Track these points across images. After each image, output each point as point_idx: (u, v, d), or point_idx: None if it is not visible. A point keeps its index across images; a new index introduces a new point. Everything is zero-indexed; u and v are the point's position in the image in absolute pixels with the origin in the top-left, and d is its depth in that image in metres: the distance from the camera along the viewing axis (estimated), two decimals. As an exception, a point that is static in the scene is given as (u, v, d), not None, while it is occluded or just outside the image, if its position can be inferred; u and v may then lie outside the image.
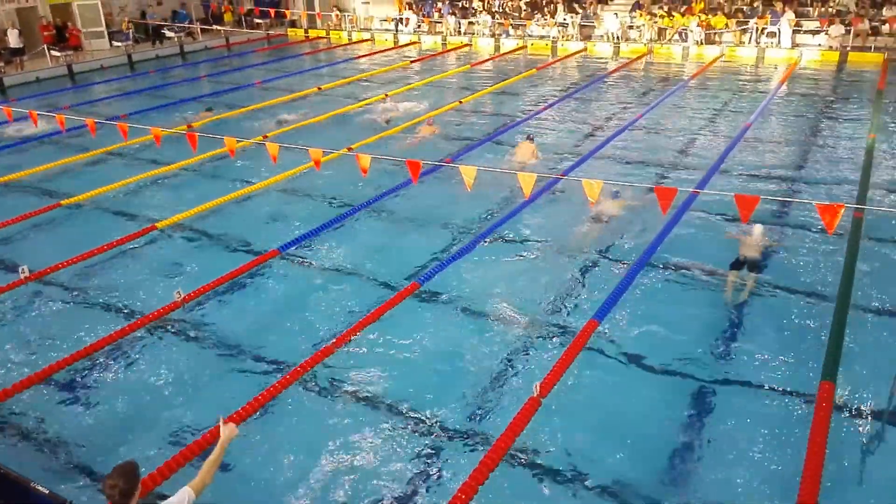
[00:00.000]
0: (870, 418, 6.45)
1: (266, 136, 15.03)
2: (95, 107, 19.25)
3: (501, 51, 27.17)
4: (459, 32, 29.18)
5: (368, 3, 31.68)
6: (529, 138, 13.79)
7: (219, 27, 29.86)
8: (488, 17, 28.63)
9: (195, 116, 17.37)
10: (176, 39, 28.34)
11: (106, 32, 27.14)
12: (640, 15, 26.15)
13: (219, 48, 29.34)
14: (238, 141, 10.56)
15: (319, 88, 20.74)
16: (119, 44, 26.75)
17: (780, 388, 6.87)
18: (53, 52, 24.33)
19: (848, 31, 22.71)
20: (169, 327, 8.18)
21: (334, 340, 7.57)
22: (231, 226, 11.08)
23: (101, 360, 7.56)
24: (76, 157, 14.46)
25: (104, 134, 13.51)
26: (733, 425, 6.42)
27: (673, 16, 25.70)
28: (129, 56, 26.08)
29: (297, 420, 6.62)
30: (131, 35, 27.07)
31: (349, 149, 13.90)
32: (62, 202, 11.80)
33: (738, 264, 9.07)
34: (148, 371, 7.41)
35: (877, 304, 8.28)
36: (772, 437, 6.23)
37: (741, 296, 8.60)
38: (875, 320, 8.00)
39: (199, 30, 29.62)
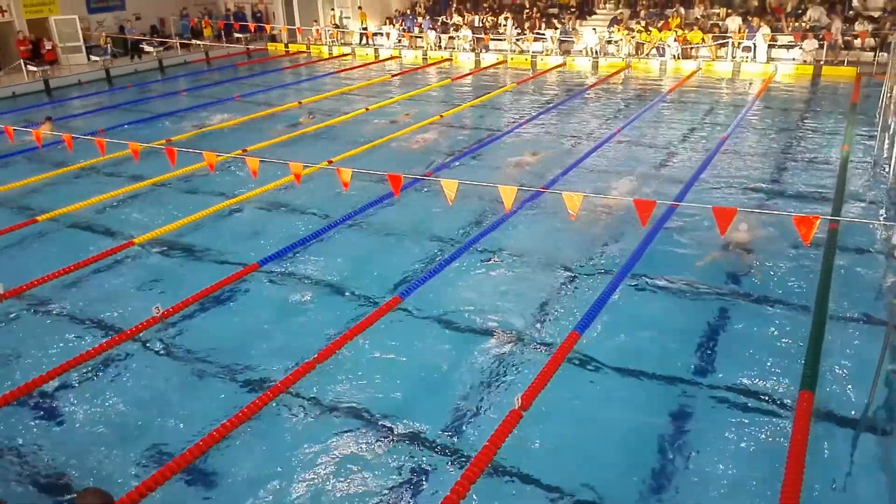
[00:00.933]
0: (849, 426, 6.51)
1: (246, 150, 14.98)
2: (73, 121, 19.07)
3: (482, 65, 27.35)
4: (440, 47, 29.34)
5: (349, 17, 31.77)
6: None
7: (198, 41, 29.79)
8: (469, 32, 28.84)
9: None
10: (155, 54, 28.22)
11: (84, 47, 26.97)
12: (618, 30, 26.47)
13: (198, 62, 29.25)
14: (217, 155, 10.51)
15: (300, 103, 20.73)
16: (97, 58, 26.58)
17: (761, 398, 6.92)
18: (30, 67, 24.12)
19: (821, 46, 23.14)
20: (147, 343, 8.08)
21: (316, 356, 7.51)
22: (210, 240, 11.00)
23: (78, 377, 7.44)
24: (53, 173, 14.30)
25: (81, 149, 13.38)
26: (714, 435, 6.45)
27: (650, 31, 26.04)
28: (107, 71, 25.92)
29: (278, 437, 6.55)
30: (109, 50, 26.91)
31: (329, 162, 13.88)
32: (38, 218, 11.65)
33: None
34: (125, 388, 7.30)
35: (853, 313, 8.38)
36: (752, 447, 6.27)
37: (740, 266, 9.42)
38: (852, 329, 8.09)
39: (178, 44, 29.52)
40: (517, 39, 27.95)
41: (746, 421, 6.62)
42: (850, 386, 7.00)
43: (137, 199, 12.99)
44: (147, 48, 28.40)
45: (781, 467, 5.69)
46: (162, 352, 7.98)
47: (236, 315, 8.80)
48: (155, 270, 10.06)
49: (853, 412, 6.63)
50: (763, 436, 6.41)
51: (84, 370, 7.55)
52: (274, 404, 6.83)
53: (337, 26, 31.61)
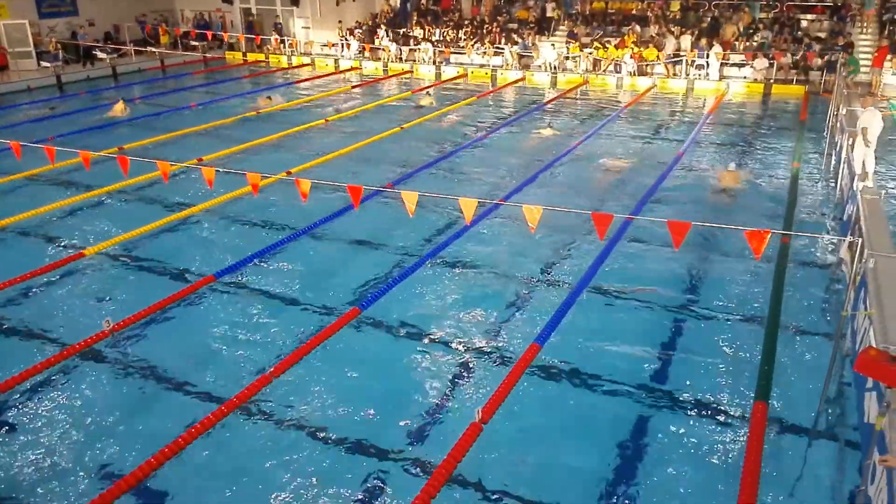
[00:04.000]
0: (803, 434, 6.66)
1: (201, 160, 14.73)
2: (21, 129, 18.49)
3: (442, 78, 27.48)
4: (401, 59, 29.39)
5: (309, 27, 31.61)
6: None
7: (154, 49, 29.26)
8: (429, 45, 28.97)
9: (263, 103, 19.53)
10: (108, 61, 27.62)
11: (34, 53, 26.25)
12: (575, 48, 26.89)
13: (153, 70, 28.72)
14: (172, 164, 10.29)
15: (258, 112, 20.50)
16: (48, 64, 25.89)
17: (717, 409, 7.04)
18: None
19: (772, 65, 23.88)
20: (97, 358, 7.83)
21: (272, 369, 7.38)
22: (165, 252, 10.75)
23: (24, 393, 7.17)
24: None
25: (30, 157, 12.97)
26: (672, 445, 6.53)
27: (607, 48, 26.53)
28: (58, 77, 25.26)
29: (234, 452, 6.40)
30: (60, 56, 26.24)
31: (288, 173, 13.73)
32: (-17, 228, 11.25)
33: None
34: (74, 404, 7.06)
35: (805, 325, 8.60)
36: (710, 457, 6.36)
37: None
38: (804, 340, 8.29)
39: (132, 51, 28.95)
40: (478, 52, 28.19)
41: (704, 431, 6.72)
42: (802, 395, 7.16)
43: (89, 209, 12.63)
44: (100, 55, 27.77)
45: (738, 476, 5.79)
46: (113, 366, 7.74)
47: (191, 328, 8.60)
48: (106, 282, 9.79)
49: (805, 421, 6.78)
50: (720, 445, 6.51)
51: (31, 385, 7.28)
52: (230, 419, 6.68)
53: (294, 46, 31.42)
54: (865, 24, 24.13)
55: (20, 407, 7.02)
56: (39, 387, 7.32)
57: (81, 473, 6.10)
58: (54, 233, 11.50)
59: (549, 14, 29.62)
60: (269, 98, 21.55)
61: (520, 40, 27.99)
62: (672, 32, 26.15)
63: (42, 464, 6.23)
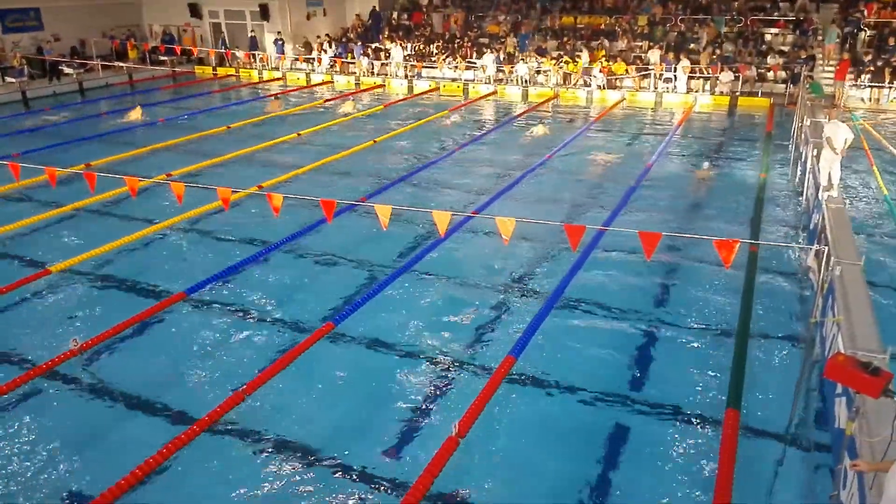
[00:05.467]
0: (775, 440, 6.73)
1: (170, 175, 14.55)
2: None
3: (415, 92, 27.54)
4: (373, 73, 29.41)
5: (282, 41, 31.50)
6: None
7: (121, 63, 28.90)
8: (399, 50, 29.06)
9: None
10: (75, 76, 27.23)
11: (-2, 68, 25.82)
12: (546, 61, 27.16)
13: (121, 85, 28.37)
14: (140, 180, 10.15)
15: (228, 127, 20.33)
16: (12, 80, 25.44)
17: (691, 416, 7.09)
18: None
19: (737, 78, 24.34)
20: (64, 378, 7.65)
21: (245, 387, 7.27)
22: (134, 269, 10.57)
23: (-14, 416, 6.98)
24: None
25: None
26: (648, 454, 6.56)
27: (577, 62, 26.83)
28: (24, 93, 24.83)
29: (206, 472, 6.28)
30: (25, 71, 25.82)
31: (259, 187, 13.62)
32: (-56, 246, 10.97)
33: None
34: (41, 425, 6.89)
35: (774, 332, 8.71)
36: (685, 463, 6.40)
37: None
38: (773, 347, 8.40)
39: (99, 66, 28.57)
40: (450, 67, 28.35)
41: (678, 439, 6.76)
42: (774, 401, 7.25)
43: (54, 225, 12.38)
44: (67, 70, 27.36)
45: (713, 482, 5.83)
46: (80, 386, 7.57)
47: (161, 346, 8.45)
48: (73, 300, 9.59)
49: (778, 427, 6.86)
50: (694, 453, 6.55)
51: (-7, 408, 7.09)
52: (202, 438, 6.56)
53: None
54: (826, 60, 24.69)
55: (-17, 430, 6.82)
56: (5, 408, 7.12)
57: (47, 496, 5.93)
58: (18, 251, 11.25)
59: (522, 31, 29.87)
60: (277, 98, 22.39)
61: (493, 53, 28.14)
62: (653, 47, 26.50)
63: (6, 487, 6.05)
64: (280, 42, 30.50)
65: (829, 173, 11.00)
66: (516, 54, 27.91)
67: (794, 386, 7.25)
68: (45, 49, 27.98)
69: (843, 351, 6.41)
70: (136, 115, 21.65)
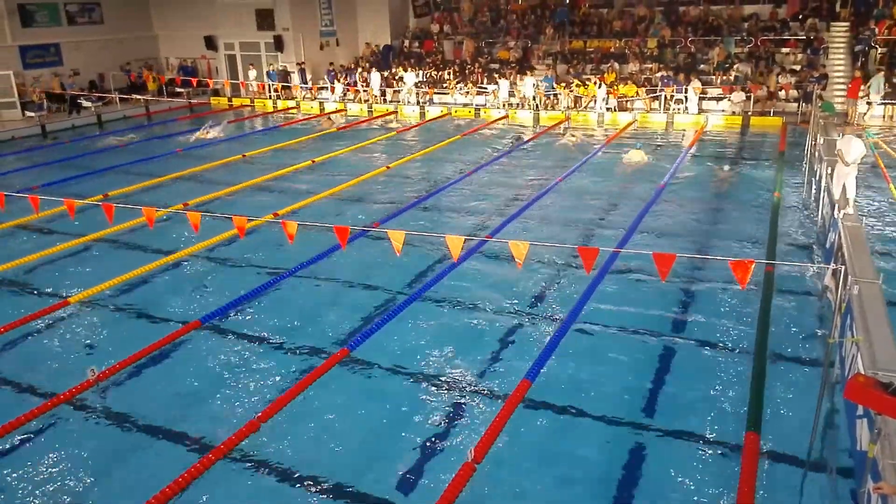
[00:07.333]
0: (796, 464, 6.62)
1: (187, 205, 14.72)
2: (6, 178, 18.43)
3: (427, 118, 27.77)
4: (385, 100, 29.71)
5: (293, 72, 31.92)
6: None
7: (139, 96, 29.43)
8: (412, 76, 29.36)
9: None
10: (93, 109, 27.74)
11: (18, 103, 26.36)
12: (559, 87, 27.33)
13: (138, 117, 28.84)
14: (157, 210, 10.28)
15: (244, 156, 20.58)
16: (32, 114, 25.97)
17: (710, 439, 7.00)
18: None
19: (749, 98, 24.34)
20: (82, 408, 7.70)
21: (259, 414, 7.28)
22: (150, 298, 10.67)
23: (8, 444, 7.03)
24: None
25: (14, 206, 12.91)
26: (665, 479, 6.47)
27: (588, 85, 26.97)
28: (43, 126, 25.32)
29: (220, 502, 6.27)
30: (45, 105, 26.36)
31: (275, 215, 13.75)
32: (-34, 278, 11.14)
33: None
34: (59, 455, 6.92)
35: (792, 353, 8.61)
36: (704, 488, 6.30)
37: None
38: (792, 368, 8.30)
39: (117, 98, 29.10)
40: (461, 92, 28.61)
41: (696, 463, 6.67)
42: (794, 423, 7.14)
43: (73, 256, 12.55)
44: (85, 103, 27.89)
45: (732, 509, 5.74)
46: (98, 416, 7.62)
47: (177, 375, 8.50)
48: (90, 330, 9.69)
49: (798, 449, 6.74)
50: (713, 477, 6.45)
51: (15, 437, 7.14)
52: (217, 467, 6.56)
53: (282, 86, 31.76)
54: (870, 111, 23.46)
55: (5, 458, 6.86)
56: (24, 438, 7.17)
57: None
58: (38, 282, 11.40)
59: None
60: (331, 119, 24.69)
61: (504, 79, 28.37)
62: (662, 69, 26.62)
63: (24, 519, 6.08)
64: (286, 71, 31.23)
65: (844, 187, 10.91)
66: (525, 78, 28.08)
67: (813, 407, 7.13)
68: (66, 84, 28.58)
69: (862, 371, 6.32)
70: (208, 132, 23.76)
